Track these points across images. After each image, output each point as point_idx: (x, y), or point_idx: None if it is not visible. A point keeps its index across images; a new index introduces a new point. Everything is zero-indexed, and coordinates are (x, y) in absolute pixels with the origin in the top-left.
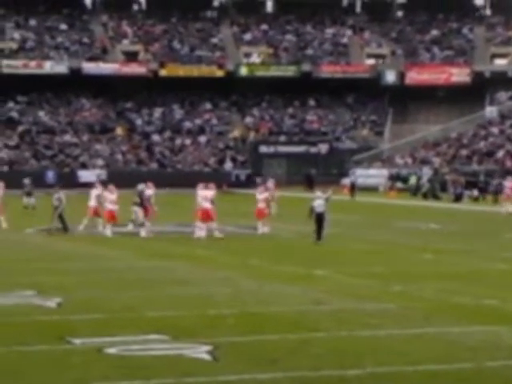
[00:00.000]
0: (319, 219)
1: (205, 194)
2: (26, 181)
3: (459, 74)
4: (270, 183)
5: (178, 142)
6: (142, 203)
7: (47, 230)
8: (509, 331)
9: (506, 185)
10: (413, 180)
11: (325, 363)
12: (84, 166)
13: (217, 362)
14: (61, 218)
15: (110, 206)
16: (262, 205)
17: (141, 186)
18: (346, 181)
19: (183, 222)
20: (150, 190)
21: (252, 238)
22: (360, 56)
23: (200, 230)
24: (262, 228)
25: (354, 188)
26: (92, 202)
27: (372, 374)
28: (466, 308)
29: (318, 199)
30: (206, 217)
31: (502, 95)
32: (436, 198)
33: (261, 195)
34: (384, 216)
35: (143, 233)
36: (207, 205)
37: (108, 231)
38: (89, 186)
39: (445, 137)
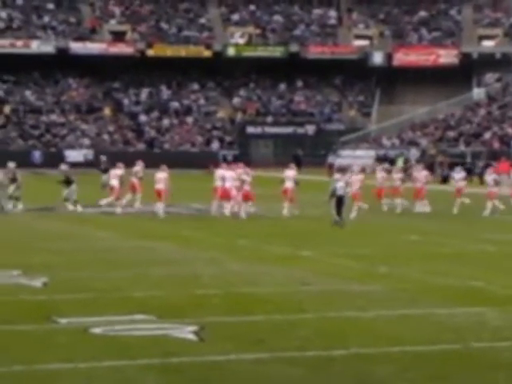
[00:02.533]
0: (340, 202)
1: (228, 175)
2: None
3: (447, 56)
4: (355, 167)
5: (165, 122)
6: (69, 181)
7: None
8: (494, 312)
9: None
10: (400, 161)
11: (311, 344)
12: (71, 145)
13: (203, 342)
14: None
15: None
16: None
17: (63, 167)
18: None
19: (171, 202)
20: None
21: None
22: (348, 37)
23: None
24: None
25: (331, 168)
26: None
27: (358, 355)
28: (451, 289)
29: (339, 181)
30: (225, 195)
31: (490, 77)
32: None
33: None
34: (370, 197)
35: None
36: (227, 184)
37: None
38: (75, 165)
39: (432, 118)
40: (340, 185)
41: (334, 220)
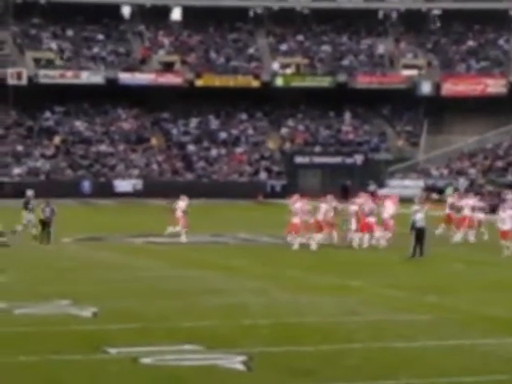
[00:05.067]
0: (420, 234)
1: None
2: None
3: (495, 85)
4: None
5: (214, 152)
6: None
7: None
8: None
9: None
10: (449, 191)
11: (360, 374)
12: (120, 175)
13: (251, 373)
14: (49, 229)
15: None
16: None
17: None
18: (383, 191)
19: (218, 232)
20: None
21: (287, 248)
22: (396, 67)
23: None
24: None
25: (374, 196)
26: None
27: None
28: (500, 319)
29: (419, 213)
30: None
31: None
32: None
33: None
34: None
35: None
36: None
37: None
38: (124, 195)
39: (481, 148)
40: (420, 216)
41: (411, 253)
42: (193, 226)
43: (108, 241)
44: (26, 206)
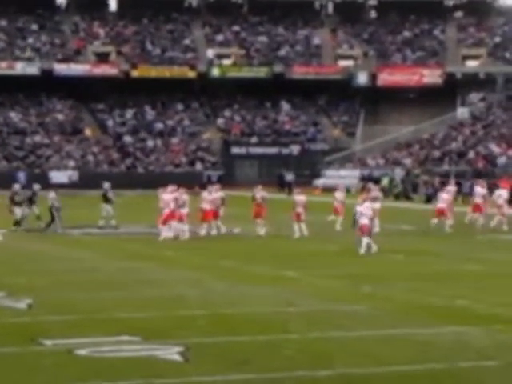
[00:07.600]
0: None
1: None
2: None
3: (431, 76)
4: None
5: (150, 143)
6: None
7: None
8: (480, 332)
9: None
10: (385, 181)
11: (296, 364)
12: (55, 166)
13: (188, 363)
14: (52, 215)
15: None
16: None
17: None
18: (319, 181)
19: (154, 223)
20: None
21: (223, 239)
22: (332, 57)
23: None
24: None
25: (290, 187)
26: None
27: (343, 375)
28: (437, 309)
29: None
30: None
31: (474, 96)
32: (408, 198)
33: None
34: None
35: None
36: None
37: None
38: (60, 186)
39: (416, 138)
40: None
41: (358, 247)
42: (129, 217)
43: (44, 232)
44: None
